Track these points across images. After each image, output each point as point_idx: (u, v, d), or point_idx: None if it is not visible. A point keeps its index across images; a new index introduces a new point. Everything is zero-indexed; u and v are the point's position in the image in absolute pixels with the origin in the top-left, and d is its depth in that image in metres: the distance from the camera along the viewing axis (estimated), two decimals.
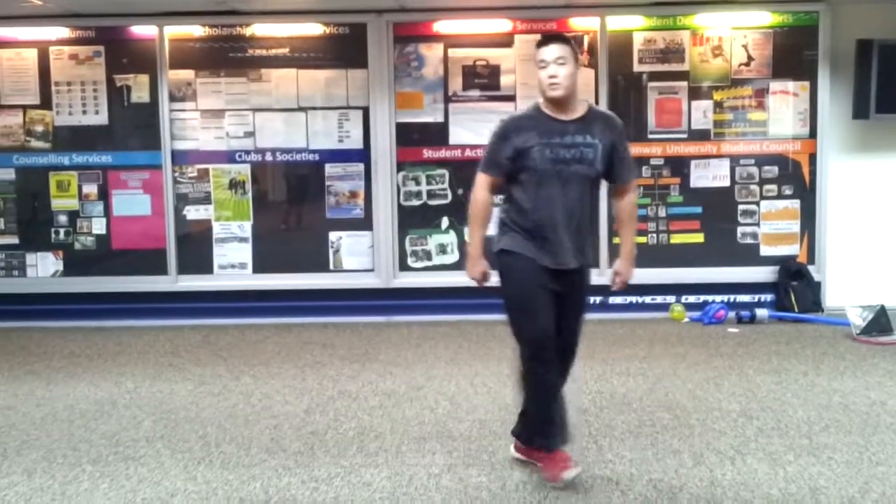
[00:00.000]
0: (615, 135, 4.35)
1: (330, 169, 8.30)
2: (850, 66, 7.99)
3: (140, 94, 8.26)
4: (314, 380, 6.35)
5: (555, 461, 4.36)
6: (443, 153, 8.20)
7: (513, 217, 4.40)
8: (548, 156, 4.24)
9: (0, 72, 8.31)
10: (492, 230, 4.53)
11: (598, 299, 8.16)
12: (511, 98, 8.15)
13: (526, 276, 4.32)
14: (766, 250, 8.30)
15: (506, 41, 8.19)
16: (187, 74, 8.25)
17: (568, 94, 4.25)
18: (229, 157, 8.30)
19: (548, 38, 4.32)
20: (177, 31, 8.21)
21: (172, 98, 8.22)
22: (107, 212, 8.35)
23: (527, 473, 4.51)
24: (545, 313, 4.30)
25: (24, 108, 8.31)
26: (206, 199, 8.33)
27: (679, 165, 8.25)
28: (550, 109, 4.31)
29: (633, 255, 4.56)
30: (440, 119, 8.22)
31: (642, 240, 8.24)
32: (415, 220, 8.28)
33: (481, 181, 4.44)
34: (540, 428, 4.44)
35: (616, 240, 8.02)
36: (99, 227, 8.36)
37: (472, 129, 8.13)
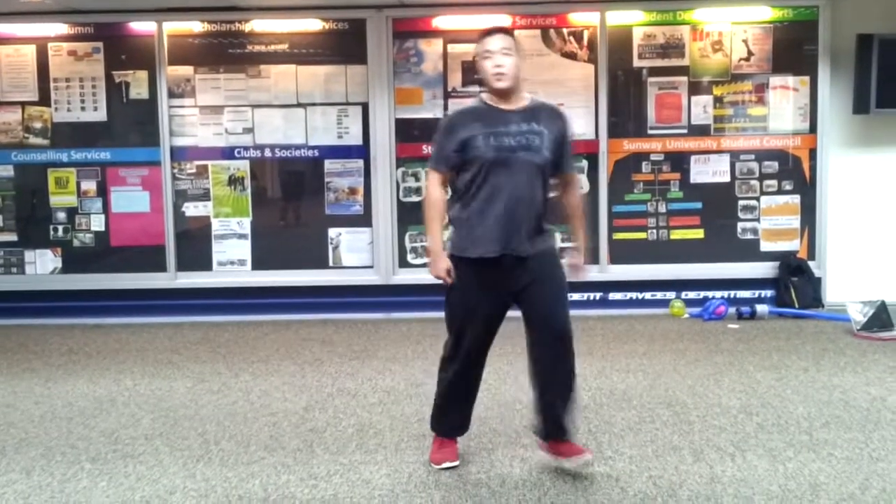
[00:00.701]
0: (562, 124, 4.37)
1: (329, 165, 8.29)
2: (851, 61, 7.98)
3: (139, 91, 8.25)
4: (313, 377, 6.34)
5: (442, 448, 4.61)
6: None
7: (459, 213, 4.39)
8: (492, 143, 4.22)
9: None
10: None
11: (597, 295, 8.17)
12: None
13: (469, 287, 4.35)
14: (766, 246, 8.29)
15: None
16: (186, 71, 8.24)
17: (513, 85, 4.27)
18: (228, 153, 8.29)
19: (492, 30, 4.34)
20: (176, 27, 8.21)
21: (171, 94, 8.21)
22: (105, 208, 8.34)
23: (526, 471, 4.49)
24: (485, 331, 4.40)
25: (23, 104, 8.30)
26: (205, 196, 8.32)
27: (679, 161, 8.24)
28: (494, 101, 4.32)
29: (583, 245, 4.61)
30: (440, 114, 8.19)
31: (642, 236, 8.25)
32: (414, 216, 8.26)
33: (432, 178, 4.45)
34: (438, 415, 4.66)
35: (617, 235, 8.15)
36: (98, 223, 8.35)
37: None
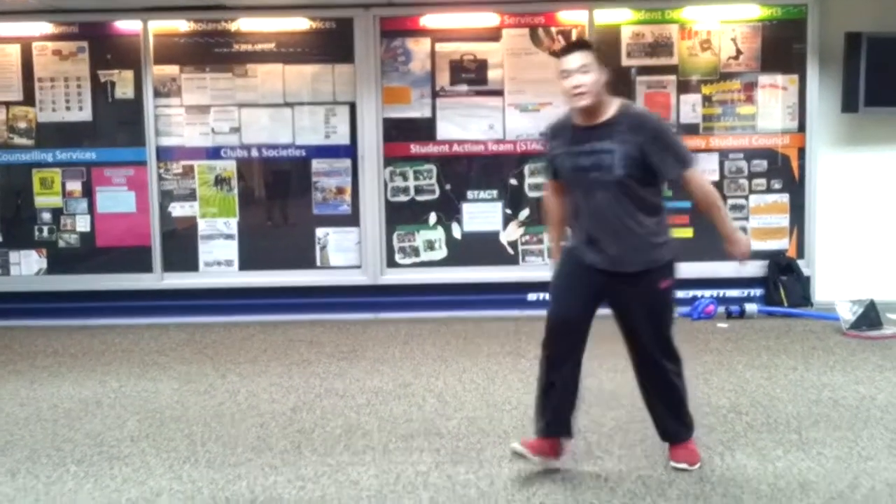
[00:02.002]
0: (642, 137, 4.17)
1: (316, 165, 8.26)
2: (839, 60, 7.97)
3: (124, 90, 8.20)
4: (301, 378, 6.31)
5: (539, 446, 4.44)
6: (430, 148, 8.17)
7: (569, 219, 4.50)
8: (568, 165, 4.29)
9: None
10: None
11: None
12: (499, 93, 8.13)
13: (566, 267, 4.46)
14: (755, 245, 8.23)
15: (493, 35, 8.16)
16: (172, 70, 8.19)
17: (594, 101, 4.18)
18: (215, 153, 8.25)
19: (570, 47, 4.29)
20: (161, 26, 8.16)
21: (157, 94, 8.17)
22: (91, 209, 8.29)
23: (515, 471, 4.47)
24: (569, 300, 4.37)
25: (7, 104, 8.25)
26: (191, 196, 8.28)
27: None
28: (577, 116, 4.29)
29: (731, 231, 4.36)
30: (427, 114, 8.19)
31: None
32: (402, 216, 8.25)
33: (546, 186, 4.69)
34: (536, 409, 4.52)
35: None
36: (83, 224, 8.30)
37: (460, 124, 8.11)
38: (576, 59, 4.17)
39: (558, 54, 4.28)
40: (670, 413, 4.50)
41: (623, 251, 4.25)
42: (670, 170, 4.24)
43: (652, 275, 4.31)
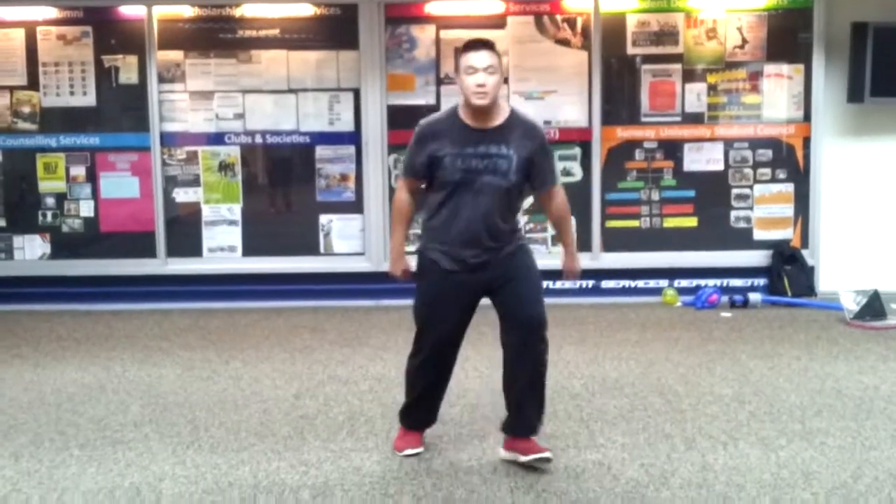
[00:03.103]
0: (534, 144, 4.26)
1: (320, 151, 8.25)
2: (845, 49, 7.96)
3: (128, 76, 8.19)
4: (304, 364, 6.32)
5: (406, 437, 4.66)
6: None
7: (430, 220, 4.41)
8: (459, 166, 4.20)
9: None
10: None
11: (589, 283, 8.14)
12: (504, 80, 8.08)
13: (438, 285, 4.38)
14: (759, 234, 8.28)
15: (498, 23, 8.13)
16: (176, 55, 8.17)
17: (492, 103, 4.19)
18: (219, 139, 8.23)
19: (477, 44, 4.22)
20: (166, 11, 8.13)
21: (161, 79, 8.15)
22: (95, 194, 8.29)
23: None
24: (449, 326, 4.42)
25: (11, 89, 8.22)
26: (195, 182, 8.27)
27: (672, 149, 8.22)
28: (468, 116, 4.25)
29: (574, 249, 4.63)
30: (432, 101, 8.17)
31: (635, 224, 8.23)
32: None
33: (400, 183, 4.54)
34: (407, 411, 4.69)
35: (609, 223, 8.12)
36: (87, 209, 8.29)
37: None
38: (484, 58, 4.15)
39: (464, 49, 4.22)
40: (539, 401, 4.47)
41: (492, 247, 4.29)
42: (547, 178, 4.38)
43: (515, 252, 4.38)
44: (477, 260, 4.29)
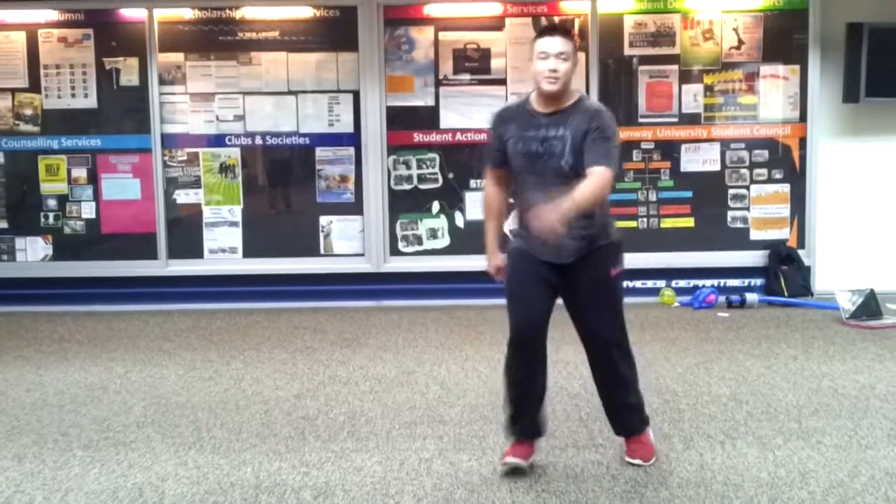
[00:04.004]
0: (589, 122, 4.10)
1: (320, 153, 8.29)
2: (841, 50, 7.99)
3: (129, 78, 8.22)
4: (305, 365, 6.35)
5: (515, 448, 4.39)
6: (433, 137, 8.19)
7: (514, 208, 4.40)
8: (520, 149, 4.18)
9: None
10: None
11: None
12: (502, 82, 8.15)
13: (519, 266, 4.30)
14: (756, 234, 8.32)
15: (497, 24, 8.17)
16: (177, 58, 8.22)
17: (563, 89, 4.13)
18: (219, 140, 8.27)
19: (552, 29, 4.20)
20: (166, 13, 8.18)
21: (162, 81, 8.19)
22: (96, 196, 8.33)
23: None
24: (529, 305, 4.24)
25: (13, 91, 8.26)
26: (195, 184, 8.31)
27: (669, 149, 8.26)
28: (537, 102, 4.22)
29: (563, 204, 3.82)
30: (431, 103, 8.21)
31: (633, 224, 8.25)
32: (405, 204, 8.28)
33: (487, 175, 4.48)
34: (506, 415, 4.45)
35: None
36: (88, 211, 8.33)
37: (463, 112, 8.14)
38: (557, 44, 4.08)
39: (539, 34, 4.17)
40: (628, 405, 4.47)
41: (568, 238, 4.06)
42: (591, 157, 4.04)
43: (597, 258, 4.24)
44: (553, 250, 4.15)
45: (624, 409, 4.47)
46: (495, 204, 4.44)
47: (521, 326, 4.25)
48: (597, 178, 3.98)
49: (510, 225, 4.46)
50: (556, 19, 8.14)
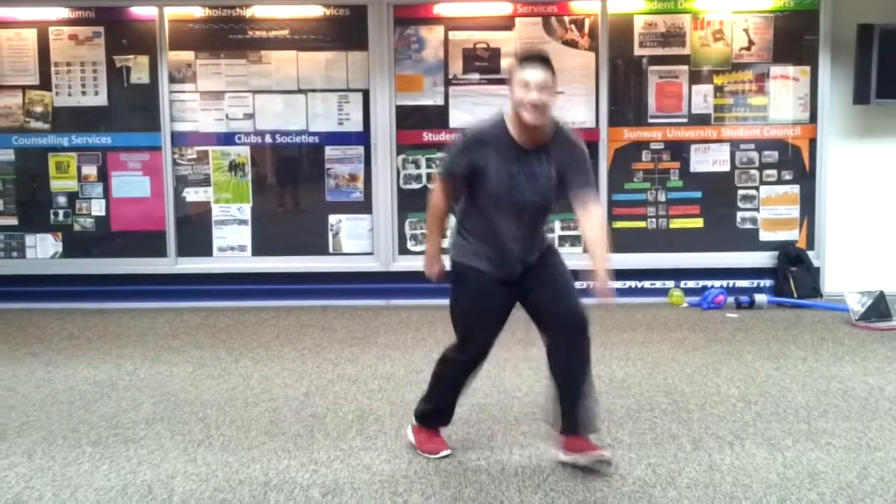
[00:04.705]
0: (571, 151, 4.18)
1: (330, 151, 8.30)
2: (851, 51, 7.98)
3: (140, 76, 8.24)
4: (313, 363, 6.36)
5: (431, 438, 4.63)
6: (443, 136, 8.19)
7: (467, 226, 4.35)
8: (503, 180, 4.13)
9: None
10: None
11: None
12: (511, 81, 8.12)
13: (477, 287, 4.31)
14: (765, 235, 8.31)
15: (506, 24, 8.17)
16: (187, 56, 8.23)
17: (545, 121, 4.10)
18: (229, 139, 8.28)
19: (535, 59, 4.11)
20: (177, 12, 8.19)
21: (172, 79, 8.21)
22: (106, 193, 8.35)
23: (525, 457, 4.52)
24: (489, 330, 4.34)
25: (24, 88, 8.28)
26: (205, 182, 8.32)
27: (679, 150, 8.25)
28: (517, 132, 4.15)
29: (604, 267, 4.15)
30: (440, 102, 8.22)
31: (642, 224, 8.26)
32: (415, 203, 8.27)
33: (438, 184, 4.40)
34: (432, 410, 4.63)
35: (616, 224, 8.14)
36: (98, 208, 8.35)
37: (473, 112, 8.12)
38: (539, 76, 4.02)
39: (521, 62, 4.10)
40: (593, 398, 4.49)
41: (527, 255, 4.27)
42: (578, 181, 4.18)
43: (545, 253, 4.37)
44: (512, 273, 4.27)
45: (586, 400, 4.40)
46: (442, 212, 4.40)
47: (479, 350, 4.38)
48: (597, 207, 4.25)
49: (458, 242, 4.41)
50: (567, 19, 8.14)
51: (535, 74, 4.03)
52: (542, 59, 4.11)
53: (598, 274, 4.12)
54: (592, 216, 4.21)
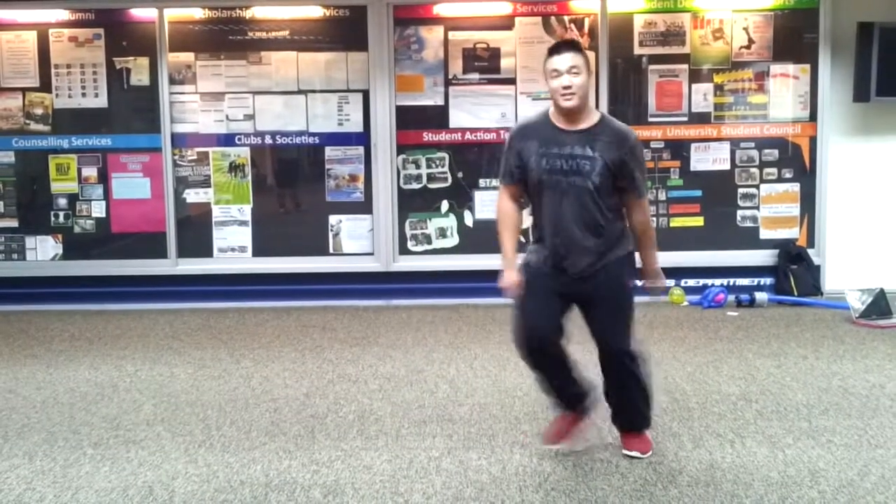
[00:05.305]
0: (623, 151, 4.17)
1: (330, 152, 8.30)
2: (851, 49, 7.98)
3: (140, 77, 8.24)
4: (314, 363, 6.36)
5: (555, 425, 4.59)
6: (443, 136, 8.20)
7: (533, 225, 4.42)
8: (544, 166, 4.18)
9: None
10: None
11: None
12: (511, 81, 8.15)
13: (534, 280, 4.31)
14: (765, 234, 8.31)
15: (506, 24, 8.17)
16: (187, 57, 8.23)
17: (580, 104, 4.15)
18: (229, 140, 8.29)
19: (560, 46, 4.21)
20: (177, 13, 8.20)
21: (172, 81, 8.21)
22: (106, 195, 8.35)
23: (526, 457, 4.52)
24: (542, 315, 4.29)
25: (24, 90, 8.29)
26: (205, 183, 8.32)
27: (679, 149, 8.25)
28: (558, 119, 4.24)
29: (652, 263, 4.51)
30: (440, 102, 8.22)
31: None
32: (415, 203, 8.28)
33: (501, 191, 4.46)
34: (549, 399, 4.62)
35: None
36: (99, 210, 8.35)
37: (473, 112, 8.14)
38: (567, 60, 4.12)
39: (549, 53, 4.21)
40: (636, 403, 4.54)
41: (588, 255, 4.23)
42: (632, 190, 4.25)
43: (614, 270, 4.30)
44: (567, 269, 4.26)
45: (631, 408, 4.53)
46: (512, 219, 4.42)
47: (532, 336, 4.31)
48: (644, 214, 4.36)
49: (528, 248, 4.43)
50: (567, 18, 8.14)
51: (562, 60, 4.15)
52: (569, 44, 4.23)
53: (647, 272, 4.49)
54: (637, 219, 4.35)
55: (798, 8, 8.14)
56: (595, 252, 4.22)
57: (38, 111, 8.28)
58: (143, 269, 8.34)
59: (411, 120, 8.23)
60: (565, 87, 4.11)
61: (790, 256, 8.17)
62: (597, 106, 8.07)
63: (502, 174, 4.42)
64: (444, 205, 8.28)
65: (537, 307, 4.30)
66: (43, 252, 8.42)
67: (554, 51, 4.20)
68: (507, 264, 4.40)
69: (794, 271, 8.12)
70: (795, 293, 8.06)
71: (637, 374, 4.43)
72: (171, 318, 7.84)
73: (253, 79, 8.24)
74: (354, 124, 8.25)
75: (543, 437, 4.62)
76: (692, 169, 8.26)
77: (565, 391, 4.50)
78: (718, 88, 8.21)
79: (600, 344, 4.38)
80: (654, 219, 8.26)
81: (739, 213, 8.30)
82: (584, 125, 4.20)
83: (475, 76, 8.19)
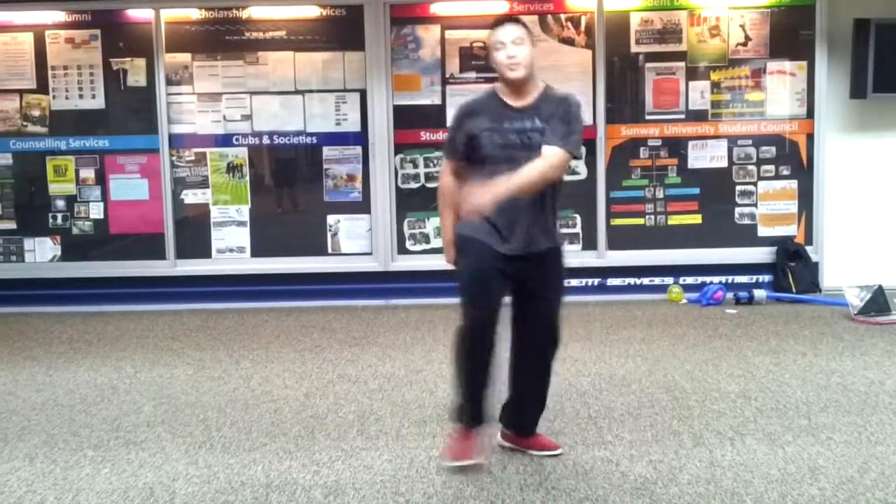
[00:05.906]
0: (560, 107, 4.21)
1: (327, 152, 8.30)
2: (848, 46, 7.98)
3: (137, 78, 8.24)
4: (314, 363, 6.36)
5: (461, 441, 4.37)
6: (440, 135, 8.18)
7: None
8: (497, 141, 4.19)
9: None
10: None
11: (595, 281, 8.19)
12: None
13: (477, 259, 4.23)
14: (763, 231, 8.31)
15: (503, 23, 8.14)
16: (184, 58, 8.23)
17: (526, 75, 4.19)
18: (227, 140, 8.28)
19: (502, 19, 4.27)
20: (173, 14, 8.19)
21: (169, 82, 8.20)
22: (104, 196, 8.34)
23: (527, 456, 4.52)
24: (489, 296, 4.22)
25: (21, 92, 8.28)
26: (203, 183, 8.32)
27: (676, 146, 8.25)
28: (505, 94, 4.26)
29: (504, 188, 4.03)
30: (437, 101, 8.21)
31: (640, 221, 8.26)
32: (413, 202, 8.28)
33: (444, 167, 4.51)
34: (456, 403, 4.48)
35: (614, 221, 8.15)
36: (96, 211, 8.35)
37: None
38: (511, 31, 4.17)
39: (492, 27, 4.25)
40: (541, 402, 4.55)
41: (536, 232, 4.23)
42: (551, 137, 4.13)
43: (556, 256, 4.36)
44: (513, 245, 4.21)
45: (539, 404, 4.53)
46: (453, 196, 4.43)
47: (479, 318, 4.21)
48: (546, 158, 4.12)
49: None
50: (563, 16, 8.14)
51: (506, 32, 4.19)
52: (512, 19, 4.29)
53: (492, 188, 4.03)
54: (538, 159, 4.12)
55: (794, 5, 8.14)
56: (540, 227, 4.25)
57: (35, 113, 8.27)
58: (141, 271, 8.33)
59: (409, 119, 8.23)
60: (510, 57, 4.14)
61: (788, 253, 8.17)
62: (594, 104, 8.09)
63: (447, 150, 4.45)
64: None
65: (487, 285, 4.21)
66: (41, 254, 8.42)
67: (497, 24, 4.24)
68: (449, 240, 4.46)
69: (793, 268, 8.12)
70: (794, 290, 8.06)
71: (552, 368, 4.46)
72: (170, 320, 7.84)
73: (250, 79, 8.24)
74: (352, 124, 8.25)
75: (448, 453, 4.41)
76: (690, 167, 8.26)
77: (480, 397, 4.36)
78: (715, 86, 8.21)
79: (539, 325, 4.34)
80: (653, 217, 8.27)
81: (737, 210, 8.30)
82: (531, 97, 4.24)
83: (472, 75, 8.18)
